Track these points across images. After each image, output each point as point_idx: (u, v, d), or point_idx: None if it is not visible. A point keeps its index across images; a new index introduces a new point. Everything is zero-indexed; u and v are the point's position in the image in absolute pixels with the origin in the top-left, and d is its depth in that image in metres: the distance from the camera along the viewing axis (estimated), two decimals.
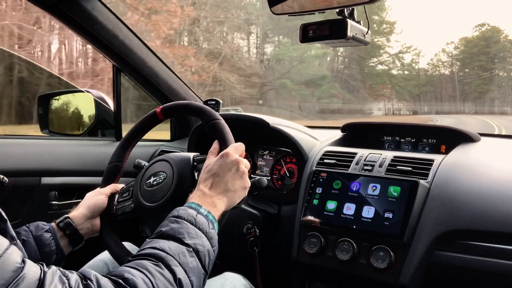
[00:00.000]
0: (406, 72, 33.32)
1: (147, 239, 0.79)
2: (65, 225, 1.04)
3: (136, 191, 1.05)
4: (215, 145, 0.99)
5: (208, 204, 0.86)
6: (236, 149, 0.95)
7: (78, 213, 1.06)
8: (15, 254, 0.63)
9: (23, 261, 0.63)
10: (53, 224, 1.04)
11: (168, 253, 0.74)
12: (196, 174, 1.01)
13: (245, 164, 0.95)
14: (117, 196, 1.12)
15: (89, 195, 1.11)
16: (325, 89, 25.04)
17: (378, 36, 30.46)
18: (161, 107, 1.12)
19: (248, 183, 0.94)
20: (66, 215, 1.06)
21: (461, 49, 34.73)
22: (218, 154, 0.95)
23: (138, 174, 1.10)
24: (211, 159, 0.95)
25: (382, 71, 31.70)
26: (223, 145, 0.98)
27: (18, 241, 0.82)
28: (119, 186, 1.15)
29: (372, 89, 30.38)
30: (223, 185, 0.90)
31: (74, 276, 0.66)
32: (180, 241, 0.77)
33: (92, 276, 0.68)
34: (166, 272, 0.72)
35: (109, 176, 1.15)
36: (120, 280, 0.68)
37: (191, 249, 0.76)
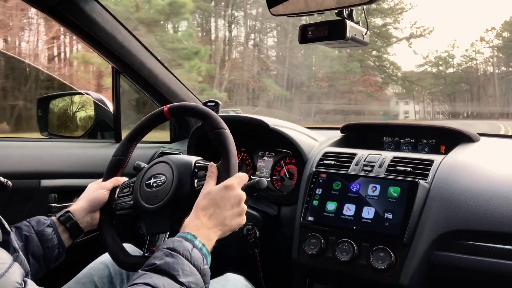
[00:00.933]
0: (437, 69, 26.49)
1: (140, 271, 0.78)
2: (66, 219, 1.04)
3: (136, 190, 1.05)
4: (213, 169, 0.97)
5: (203, 236, 0.85)
6: (240, 181, 0.94)
7: (79, 206, 1.07)
8: (16, 274, 0.64)
9: (24, 282, 0.63)
10: (53, 218, 1.04)
11: None
12: (196, 180, 1.01)
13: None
14: (118, 190, 1.12)
15: (91, 188, 1.11)
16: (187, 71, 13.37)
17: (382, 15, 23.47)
18: (168, 106, 1.12)
19: (243, 220, 0.94)
20: (66, 209, 1.07)
21: (504, 37, 26.95)
22: (217, 178, 0.95)
23: (139, 173, 1.10)
24: (211, 185, 0.93)
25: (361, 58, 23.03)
26: (225, 158, 0.97)
27: (20, 253, 0.82)
28: (121, 179, 1.15)
29: (333, 81, 21.75)
30: (222, 218, 0.89)
31: None
32: (174, 278, 0.76)
33: None
34: None
35: (112, 169, 1.15)
36: None
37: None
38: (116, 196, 1.11)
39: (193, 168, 1.03)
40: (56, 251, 1.01)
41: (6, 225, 0.75)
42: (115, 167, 1.16)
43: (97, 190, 1.10)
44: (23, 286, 0.62)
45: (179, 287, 0.75)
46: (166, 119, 1.14)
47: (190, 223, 0.87)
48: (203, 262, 0.81)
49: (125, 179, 1.15)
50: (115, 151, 1.17)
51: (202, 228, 0.86)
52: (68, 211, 1.06)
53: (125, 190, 1.10)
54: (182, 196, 0.98)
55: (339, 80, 21.97)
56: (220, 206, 0.89)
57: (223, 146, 0.99)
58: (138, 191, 1.05)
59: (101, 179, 1.15)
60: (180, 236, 0.84)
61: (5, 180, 0.87)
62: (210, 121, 1.03)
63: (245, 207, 0.93)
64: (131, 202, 1.06)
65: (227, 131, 1.01)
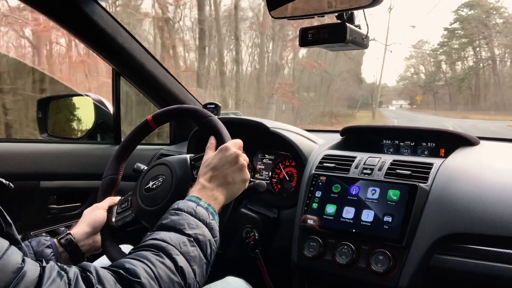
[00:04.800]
0: None
1: (148, 233, 0.80)
2: (66, 242, 1.02)
3: (136, 198, 1.04)
4: (212, 140, 1.00)
5: (208, 197, 0.87)
6: (234, 144, 0.96)
7: (80, 230, 1.05)
8: (15, 255, 0.63)
9: (23, 261, 0.63)
10: (54, 240, 1.03)
11: (168, 243, 0.74)
12: (194, 172, 1.02)
13: (244, 158, 0.95)
14: (116, 208, 1.11)
15: (87, 212, 1.10)
16: None
17: None
18: (152, 115, 1.13)
19: (247, 175, 0.94)
20: (68, 232, 1.05)
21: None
22: (216, 149, 0.96)
23: (136, 181, 1.09)
24: (210, 154, 0.95)
25: None
26: (220, 140, 0.99)
27: (23, 244, 0.82)
28: (115, 199, 1.14)
29: None
30: (223, 177, 0.90)
31: (72, 269, 0.66)
32: (180, 231, 0.77)
33: (92, 268, 0.68)
34: (167, 261, 0.72)
35: (105, 190, 1.15)
36: (121, 270, 0.68)
37: (191, 239, 0.77)
38: (115, 213, 1.10)
39: (189, 161, 1.03)
40: None
41: (8, 218, 0.75)
42: (108, 187, 1.15)
43: (94, 211, 1.09)
44: (23, 265, 0.62)
45: (186, 239, 0.76)
46: (152, 128, 1.14)
47: (193, 189, 0.89)
48: (209, 217, 0.82)
49: (118, 198, 1.15)
50: (105, 171, 1.16)
51: (205, 190, 0.88)
52: (69, 233, 1.04)
53: (123, 205, 1.09)
54: (184, 190, 0.97)
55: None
56: (218, 168, 0.91)
57: (214, 130, 1.01)
58: (138, 199, 1.03)
59: (95, 204, 1.13)
60: (185, 199, 0.86)
61: (7, 182, 0.87)
62: (196, 114, 1.05)
63: (244, 163, 0.93)
64: (132, 214, 1.05)
65: (215, 117, 1.03)
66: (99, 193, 1.15)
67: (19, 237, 0.78)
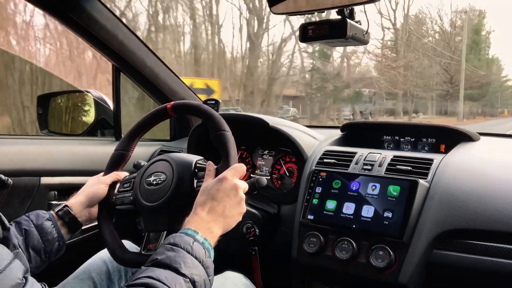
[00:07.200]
0: None
1: (142, 267, 0.78)
2: (64, 213, 1.06)
3: (136, 186, 1.06)
4: (211, 167, 0.98)
5: (204, 230, 0.85)
6: (235, 172, 0.94)
7: (77, 201, 1.08)
8: (17, 269, 0.64)
9: (25, 278, 0.64)
10: (52, 212, 1.06)
11: (164, 283, 0.73)
12: (195, 181, 1.01)
13: (244, 189, 0.94)
14: (118, 185, 1.12)
15: (90, 182, 1.12)
16: None
17: None
18: (172, 103, 1.13)
19: (244, 208, 0.93)
20: (64, 203, 1.08)
21: None
22: (215, 176, 0.94)
23: (140, 169, 1.10)
24: (209, 182, 0.93)
25: None
26: (225, 160, 0.98)
27: (20, 249, 0.83)
28: (121, 174, 1.15)
29: None
30: (221, 210, 0.89)
31: None
32: (176, 270, 0.76)
33: None
34: None
35: (113, 163, 1.16)
36: None
37: (187, 280, 0.76)
38: (116, 190, 1.12)
39: (193, 168, 1.03)
40: (56, 244, 1.02)
41: (6, 222, 0.75)
42: (116, 162, 1.16)
43: (96, 184, 1.11)
44: (24, 282, 0.63)
45: (182, 279, 0.75)
46: (169, 116, 1.15)
47: (190, 220, 0.87)
48: (205, 255, 0.81)
49: (125, 173, 1.16)
50: (117, 146, 1.17)
51: (202, 223, 0.86)
52: (66, 205, 1.07)
53: (125, 185, 1.11)
54: (181, 196, 0.98)
55: None
56: (217, 199, 0.89)
57: (224, 148, 0.99)
58: (138, 188, 1.05)
59: (101, 174, 1.15)
60: (181, 232, 0.84)
61: (6, 178, 0.87)
62: (213, 122, 1.03)
63: (243, 195, 0.92)
64: (131, 197, 1.07)
65: (229, 133, 1.01)
66: (106, 166, 1.16)
67: (16, 242, 0.79)
